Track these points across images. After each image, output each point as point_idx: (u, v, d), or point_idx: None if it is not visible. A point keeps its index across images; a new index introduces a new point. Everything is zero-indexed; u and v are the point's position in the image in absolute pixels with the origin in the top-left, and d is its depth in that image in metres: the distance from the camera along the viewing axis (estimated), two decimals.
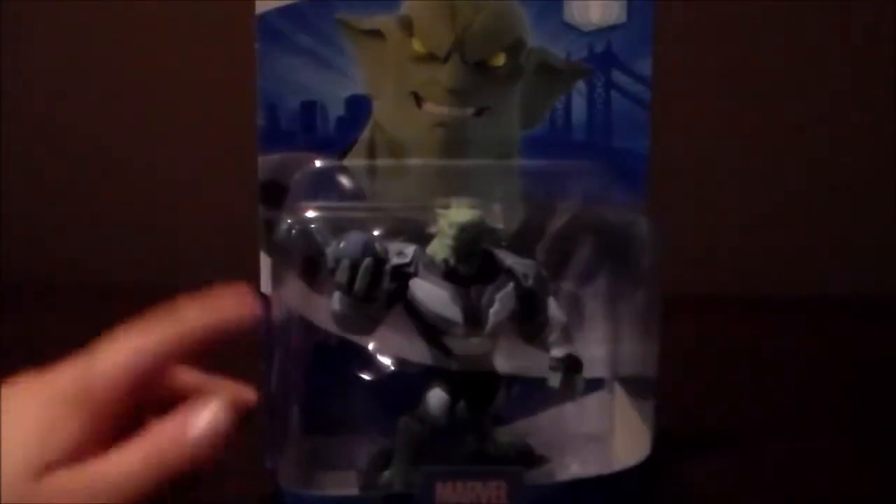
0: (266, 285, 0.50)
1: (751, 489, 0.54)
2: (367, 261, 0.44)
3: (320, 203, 0.48)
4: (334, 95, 0.51)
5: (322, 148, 0.51)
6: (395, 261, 0.46)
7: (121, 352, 0.39)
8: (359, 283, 0.44)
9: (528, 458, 0.50)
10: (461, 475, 0.42)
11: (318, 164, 0.51)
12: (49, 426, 0.37)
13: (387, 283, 0.45)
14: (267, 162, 0.51)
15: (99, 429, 0.38)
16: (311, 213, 0.47)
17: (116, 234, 0.92)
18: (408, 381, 0.49)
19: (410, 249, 0.47)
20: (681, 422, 0.55)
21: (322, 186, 0.51)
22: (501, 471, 0.43)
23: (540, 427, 0.53)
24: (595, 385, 0.52)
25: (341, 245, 0.44)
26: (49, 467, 0.37)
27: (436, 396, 0.47)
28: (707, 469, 0.56)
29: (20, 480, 0.36)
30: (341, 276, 0.44)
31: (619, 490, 0.45)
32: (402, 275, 0.46)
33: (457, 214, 0.45)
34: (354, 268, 0.44)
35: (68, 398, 0.38)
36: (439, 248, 0.46)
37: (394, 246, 0.46)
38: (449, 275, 0.46)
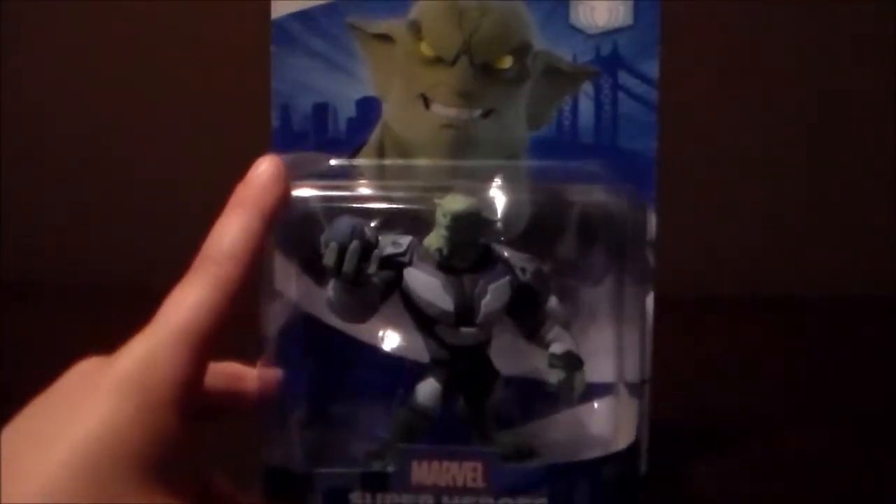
0: (278, 283, 0.51)
1: (750, 489, 0.53)
2: (355, 244, 0.44)
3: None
4: (345, 97, 0.53)
5: (333, 148, 0.53)
6: (389, 250, 0.47)
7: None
8: (346, 266, 0.44)
9: (526, 453, 0.49)
10: (437, 454, 0.42)
11: (331, 163, 0.53)
12: None
13: (374, 268, 0.45)
14: None
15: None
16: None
17: (124, 235, 0.94)
18: (409, 375, 0.49)
19: (406, 240, 0.47)
20: (680, 422, 0.54)
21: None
22: (479, 451, 0.43)
23: (550, 430, 0.52)
24: (604, 388, 0.51)
25: (330, 229, 0.45)
26: None
27: (427, 386, 0.47)
28: (705, 469, 0.55)
29: None
30: (329, 258, 0.44)
31: (596, 476, 0.44)
32: (397, 264, 0.47)
33: (451, 203, 0.46)
34: (342, 251, 0.44)
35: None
36: (435, 238, 0.47)
37: (389, 237, 0.47)
38: (443, 265, 0.47)
